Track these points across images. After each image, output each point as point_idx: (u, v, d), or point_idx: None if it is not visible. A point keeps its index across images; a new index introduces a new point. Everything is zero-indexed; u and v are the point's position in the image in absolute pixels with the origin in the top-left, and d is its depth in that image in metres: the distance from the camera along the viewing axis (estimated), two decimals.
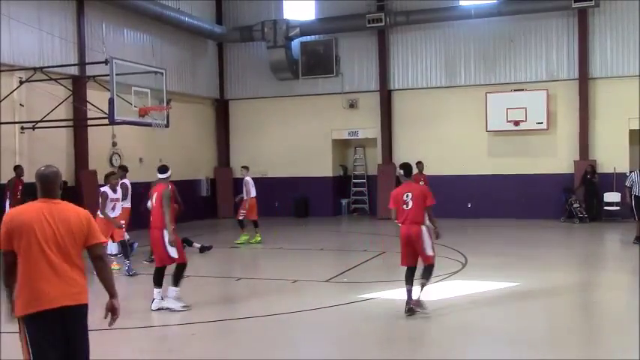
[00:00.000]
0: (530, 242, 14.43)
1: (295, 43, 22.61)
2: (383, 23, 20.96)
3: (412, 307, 8.29)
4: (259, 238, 15.73)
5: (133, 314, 9.11)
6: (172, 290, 8.91)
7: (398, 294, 9.91)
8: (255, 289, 10.93)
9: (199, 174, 23.03)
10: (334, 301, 9.36)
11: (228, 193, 23.36)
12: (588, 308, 9.26)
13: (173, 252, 8.91)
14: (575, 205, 19.15)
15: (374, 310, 9.08)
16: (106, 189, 11.89)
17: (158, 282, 8.94)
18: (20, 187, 14.02)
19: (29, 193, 10.30)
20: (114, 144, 18.33)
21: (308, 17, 22.50)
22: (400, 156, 22.05)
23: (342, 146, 23.76)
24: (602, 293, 10.52)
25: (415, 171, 14.43)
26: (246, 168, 16.65)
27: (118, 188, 12.25)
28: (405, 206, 8.33)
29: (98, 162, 17.87)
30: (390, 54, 21.90)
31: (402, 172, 8.66)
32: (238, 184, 23.35)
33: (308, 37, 22.52)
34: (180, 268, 8.95)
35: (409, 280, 8.43)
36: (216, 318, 8.63)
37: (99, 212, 11.55)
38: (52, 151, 16.75)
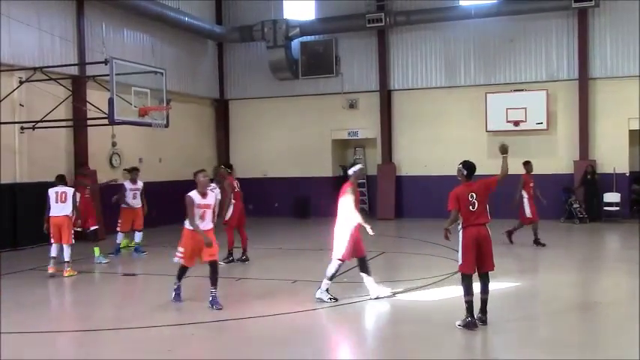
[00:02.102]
0: (529, 242, 14.41)
1: (295, 43, 22.61)
2: (383, 23, 20.97)
3: (482, 318, 7.79)
4: (133, 243, 15.24)
5: (132, 314, 9.12)
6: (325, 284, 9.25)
7: (398, 294, 9.92)
8: (255, 289, 10.93)
9: None
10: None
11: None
12: (588, 308, 9.25)
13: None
14: (575, 206, 19.15)
15: (374, 310, 9.07)
16: (125, 182, 14.36)
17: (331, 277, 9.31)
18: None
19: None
20: (114, 144, 18.32)
21: (308, 17, 22.50)
22: (400, 156, 22.10)
23: (342, 146, 23.75)
24: (602, 293, 10.52)
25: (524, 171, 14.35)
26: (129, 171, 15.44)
27: (139, 181, 14.52)
28: (471, 207, 7.76)
29: (98, 162, 17.87)
30: (390, 54, 21.90)
31: (465, 172, 7.94)
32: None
33: (308, 37, 22.52)
34: None
35: (471, 291, 7.73)
36: (216, 318, 8.63)
37: (122, 204, 14.18)
38: (52, 151, 16.77)
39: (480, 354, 7.10)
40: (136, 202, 14.45)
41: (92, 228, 13.64)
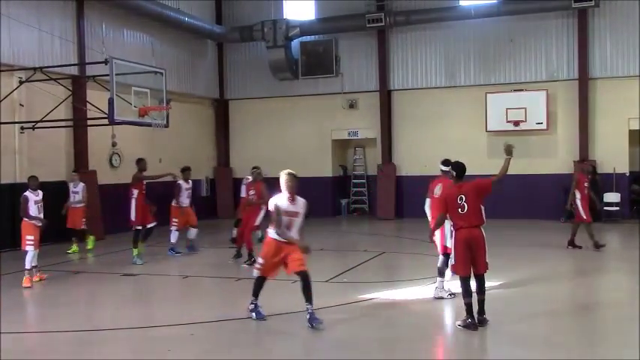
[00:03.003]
0: (529, 243, 14.42)
1: (295, 43, 22.61)
2: (383, 23, 20.97)
3: (482, 319, 7.75)
4: (77, 249, 15.12)
5: (132, 314, 9.12)
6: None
7: (398, 294, 9.92)
8: None
9: (199, 174, 23.00)
10: (334, 301, 9.35)
11: (228, 193, 23.38)
12: (588, 308, 9.25)
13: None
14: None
15: (374, 310, 9.07)
16: (180, 181, 14.39)
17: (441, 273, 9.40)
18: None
19: None
20: (114, 144, 18.31)
21: (308, 17, 22.50)
22: (400, 156, 22.10)
23: (341, 146, 23.75)
24: (602, 293, 10.52)
25: None
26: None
27: (190, 181, 14.71)
28: (460, 210, 7.68)
29: (98, 162, 17.87)
30: (390, 54, 21.90)
31: (454, 173, 7.88)
32: (237, 184, 23.43)
33: (308, 37, 22.52)
34: None
35: (469, 292, 7.72)
36: (216, 318, 8.63)
37: (173, 202, 14.31)
38: (52, 151, 16.78)
39: (480, 354, 7.10)
40: (188, 201, 14.54)
41: (149, 225, 13.49)
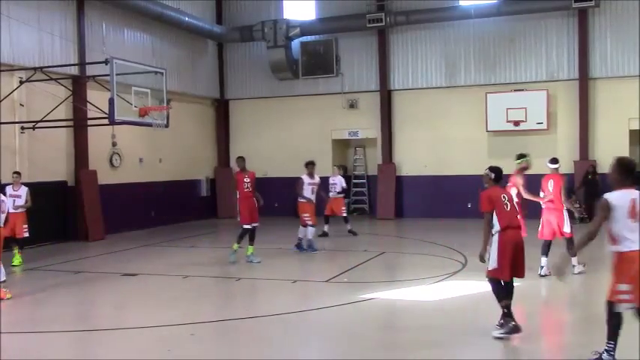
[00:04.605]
0: (530, 243, 14.36)
1: (295, 43, 22.60)
2: (383, 23, 20.97)
3: (517, 325, 7.39)
4: (20, 260, 13.16)
5: (132, 314, 9.12)
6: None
7: (398, 294, 9.93)
8: (255, 289, 10.93)
9: (199, 174, 23.03)
10: (334, 301, 9.35)
11: (228, 193, 23.35)
12: (588, 308, 9.25)
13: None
14: (575, 206, 19.11)
15: (374, 310, 9.07)
16: (303, 176, 14.16)
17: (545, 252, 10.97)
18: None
19: None
20: (114, 144, 18.32)
21: (308, 17, 22.49)
22: (400, 156, 22.10)
23: (342, 146, 23.75)
24: (602, 293, 10.51)
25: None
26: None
27: (317, 177, 14.37)
28: (505, 207, 7.44)
29: (98, 162, 17.87)
30: (390, 54, 21.90)
31: (492, 175, 7.65)
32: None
33: (308, 37, 22.52)
34: None
35: (509, 295, 7.48)
36: (216, 318, 8.63)
37: (300, 198, 14.11)
38: (52, 151, 16.77)
39: (480, 354, 7.09)
40: (314, 197, 14.15)
41: (253, 225, 12.89)
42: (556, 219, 11.07)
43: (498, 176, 7.70)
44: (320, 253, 14.49)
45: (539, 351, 7.06)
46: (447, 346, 7.35)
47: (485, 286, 10.03)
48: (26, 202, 13.12)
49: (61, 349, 7.59)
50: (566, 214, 11.04)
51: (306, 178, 14.23)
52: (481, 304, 9.10)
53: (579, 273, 11.02)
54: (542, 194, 11.26)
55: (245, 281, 11.37)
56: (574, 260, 10.99)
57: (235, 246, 12.87)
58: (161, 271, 12.67)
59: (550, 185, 11.11)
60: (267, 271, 12.27)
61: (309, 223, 14.04)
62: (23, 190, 13.21)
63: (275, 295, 10.11)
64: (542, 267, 10.95)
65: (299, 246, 14.39)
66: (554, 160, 11.44)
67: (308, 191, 14.14)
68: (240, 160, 13.25)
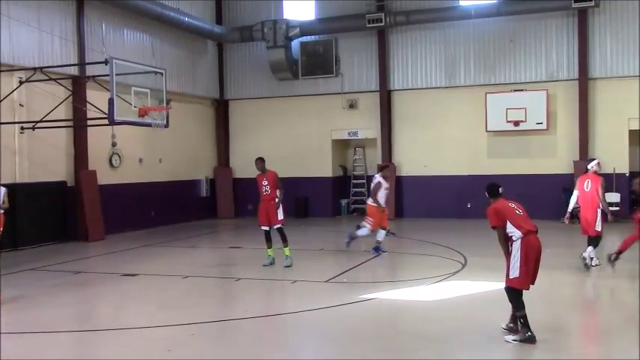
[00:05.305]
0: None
1: (295, 43, 22.61)
2: (383, 23, 20.97)
3: (509, 328, 7.43)
4: None
5: (132, 314, 9.12)
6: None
7: (398, 294, 9.93)
8: (255, 289, 10.93)
9: (199, 174, 23.03)
10: (334, 301, 9.35)
11: (228, 193, 23.39)
12: (588, 308, 9.25)
13: None
14: (575, 206, 19.09)
15: (374, 311, 9.07)
16: (380, 179, 13.43)
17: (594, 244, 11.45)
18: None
19: None
20: (114, 144, 18.32)
21: (308, 17, 22.50)
22: (400, 156, 22.10)
23: (341, 146, 23.75)
24: (602, 293, 10.52)
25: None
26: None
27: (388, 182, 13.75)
28: (517, 211, 7.38)
29: (98, 162, 17.87)
30: (390, 54, 21.91)
31: (486, 194, 7.64)
32: (237, 184, 23.46)
33: (308, 37, 22.52)
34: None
35: (522, 302, 7.24)
36: (216, 318, 8.63)
37: (369, 200, 13.62)
38: (52, 151, 16.77)
39: (480, 354, 7.09)
40: (384, 201, 13.50)
41: (276, 226, 12.55)
42: (589, 216, 11.59)
43: (494, 192, 7.58)
44: (320, 253, 14.49)
45: (540, 351, 7.05)
46: (447, 346, 7.35)
47: (486, 286, 10.08)
48: (2, 202, 11.48)
49: (61, 349, 7.59)
50: (599, 212, 11.48)
51: (383, 183, 13.44)
52: (481, 304, 9.11)
53: (595, 265, 11.54)
54: (575, 193, 11.78)
55: (245, 281, 11.37)
56: (592, 253, 11.50)
57: (269, 251, 12.57)
58: (161, 271, 12.67)
59: (587, 185, 11.60)
60: (268, 271, 12.27)
61: (368, 225, 13.51)
62: (1, 191, 11.58)
63: (275, 296, 10.12)
64: (591, 258, 11.50)
65: (377, 249, 13.83)
66: (591, 160, 12.01)
67: (383, 197, 13.47)
68: (259, 161, 12.84)
